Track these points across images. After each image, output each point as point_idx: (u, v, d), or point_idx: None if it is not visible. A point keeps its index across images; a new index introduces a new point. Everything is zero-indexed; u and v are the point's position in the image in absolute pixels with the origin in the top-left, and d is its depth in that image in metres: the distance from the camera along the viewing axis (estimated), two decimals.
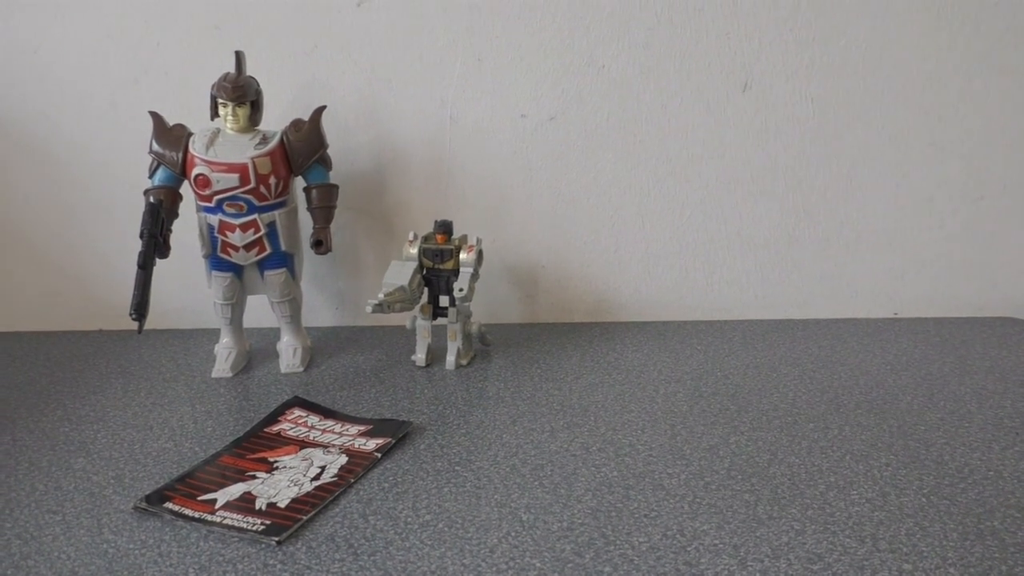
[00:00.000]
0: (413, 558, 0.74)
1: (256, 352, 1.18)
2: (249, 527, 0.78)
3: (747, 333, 1.24)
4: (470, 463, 0.90)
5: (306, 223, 1.12)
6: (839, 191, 1.24)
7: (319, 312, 1.28)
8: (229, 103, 1.04)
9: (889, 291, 1.29)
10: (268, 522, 0.79)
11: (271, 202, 1.06)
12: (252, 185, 1.04)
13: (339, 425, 0.98)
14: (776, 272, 1.28)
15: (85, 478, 0.88)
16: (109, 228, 1.23)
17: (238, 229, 1.06)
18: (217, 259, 1.08)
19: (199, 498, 0.83)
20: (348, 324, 1.29)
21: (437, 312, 1.13)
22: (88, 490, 0.85)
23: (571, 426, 0.97)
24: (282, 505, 0.82)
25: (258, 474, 0.88)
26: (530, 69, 1.18)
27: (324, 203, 1.11)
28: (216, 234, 1.06)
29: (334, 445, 0.93)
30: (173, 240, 1.04)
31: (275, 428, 0.97)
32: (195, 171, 1.04)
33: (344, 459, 0.90)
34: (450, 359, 1.13)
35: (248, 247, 1.07)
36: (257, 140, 1.05)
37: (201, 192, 1.04)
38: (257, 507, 0.82)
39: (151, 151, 1.06)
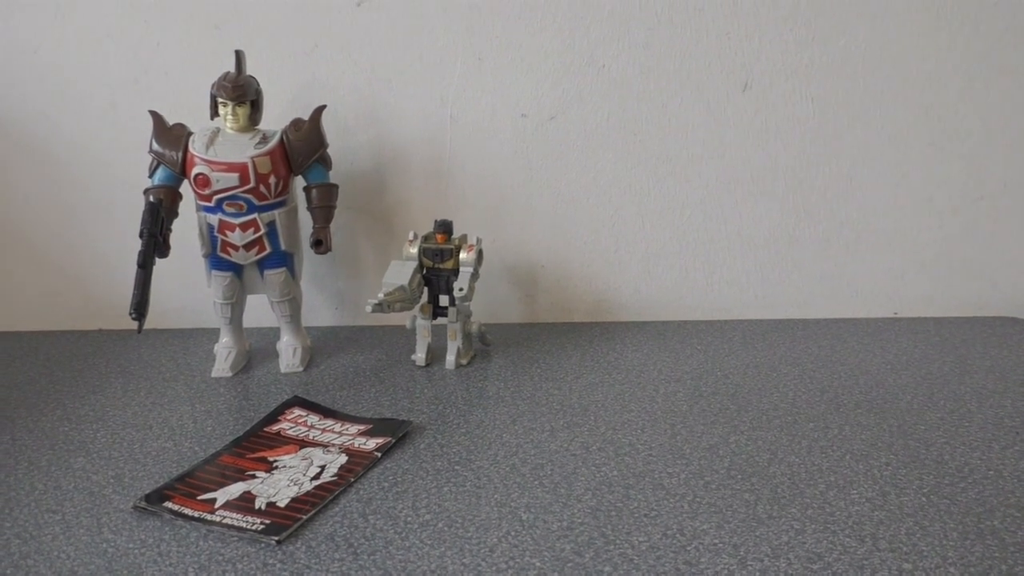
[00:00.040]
0: (413, 557, 0.74)
1: (256, 352, 1.18)
2: (249, 526, 0.78)
3: (747, 333, 1.24)
4: (470, 462, 0.90)
5: (306, 222, 1.12)
6: (839, 191, 1.24)
7: (319, 312, 1.28)
8: (229, 102, 1.04)
9: (889, 291, 1.29)
10: (268, 521, 0.79)
11: (271, 201, 1.06)
12: (252, 184, 1.04)
13: (339, 424, 0.98)
14: (776, 272, 1.28)
15: (85, 477, 0.88)
16: (109, 228, 1.23)
17: (238, 228, 1.06)
18: (217, 258, 1.08)
19: (199, 497, 0.83)
20: (348, 324, 1.29)
21: (437, 312, 1.13)
22: (88, 489, 0.85)
23: (571, 426, 0.97)
24: (282, 504, 0.82)
25: (258, 473, 0.88)
26: (530, 69, 1.18)
27: (324, 203, 1.11)
28: (216, 233, 1.06)
29: (334, 444, 0.93)
30: (173, 239, 1.04)
31: (275, 427, 0.97)
32: (195, 170, 1.04)
33: (344, 458, 0.90)
34: (450, 359, 1.13)
35: (248, 246, 1.07)
36: (257, 139, 1.05)
37: (201, 191, 1.04)
38: (257, 506, 0.82)
39: (151, 150, 1.06)
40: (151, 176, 1.06)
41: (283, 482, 0.86)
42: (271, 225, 1.07)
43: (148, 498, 0.83)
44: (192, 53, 1.16)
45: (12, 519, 0.81)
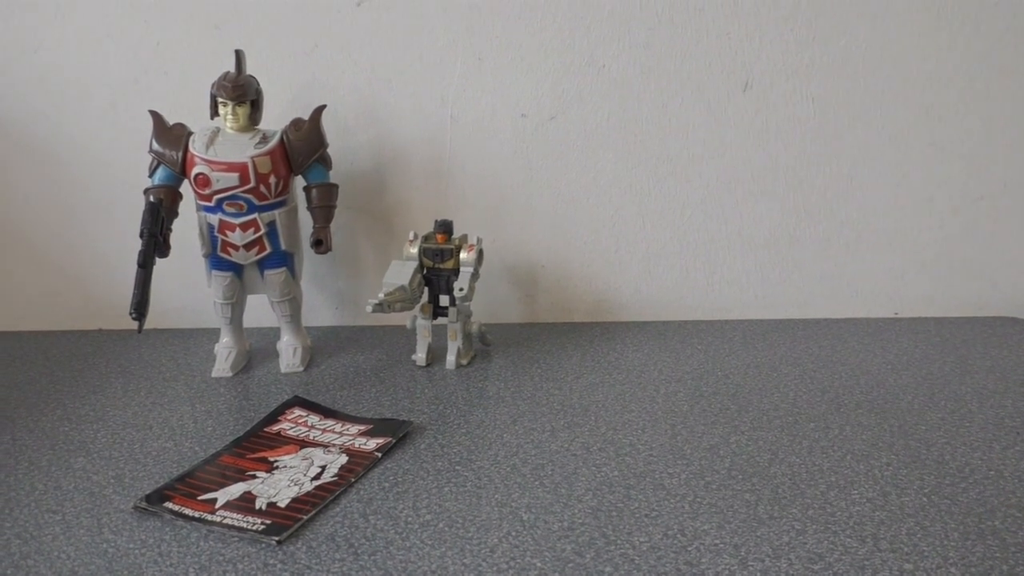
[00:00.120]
0: (414, 558, 0.74)
1: (256, 352, 1.18)
2: (249, 527, 0.78)
3: (748, 333, 1.24)
4: (471, 463, 0.89)
5: (306, 222, 1.12)
6: (839, 191, 1.24)
7: (319, 312, 1.28)
8: (229, 102, 1.04)
9: (889, 291, 1.28)
10: (268, 522, 0.79)
11: (271, 201, 1.06)
12: (252, 184, 1.04)
13: (339, 425, 0.98)
14: (776, 272, 1.28)
15: (85, 477, 0.87)
16: (109, 228, 1.23)
17: (238, 228, 1.06)
18: (217, 258, 1.08)
19: (199, 498, 0.83)
20: (348, 324, 1.29)
21: (437, 312, 1.13)
22: (88, 490, 0.85)
23: (571, 426, 0.97)
24: (282, 505, 0.82)
25: (258, 474, 0.88)
26: (530, 69, 1.18)
27: (324, 202, 1.11)
28: (216, 233, 1.06)
29: (334, 445, 0.93)
30: (173, 239, 1.04)
31: (275, 428, 0.97)
32: (195, 170, 1.04)
33: (344, 459, 0.90)
34: (450, 359, 1.13)
35: (248, 246, 1.07)
36: (257, 139, 1.05)
37: (201, 191, 1.04)
38: (257, 507, 0.81)
39: (151, 150, 1.06)
40: (151, 176, 1.06)
41: (283, 482, 0.86)
42: (271, 225, 1.07)
43: (148, 498, 0.83)
44: (192, 53, 1.16)
45: (12, 519, 0.81)
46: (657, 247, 1.26)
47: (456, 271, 1.10)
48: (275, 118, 1.11)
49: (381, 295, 1.01)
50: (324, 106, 1.10)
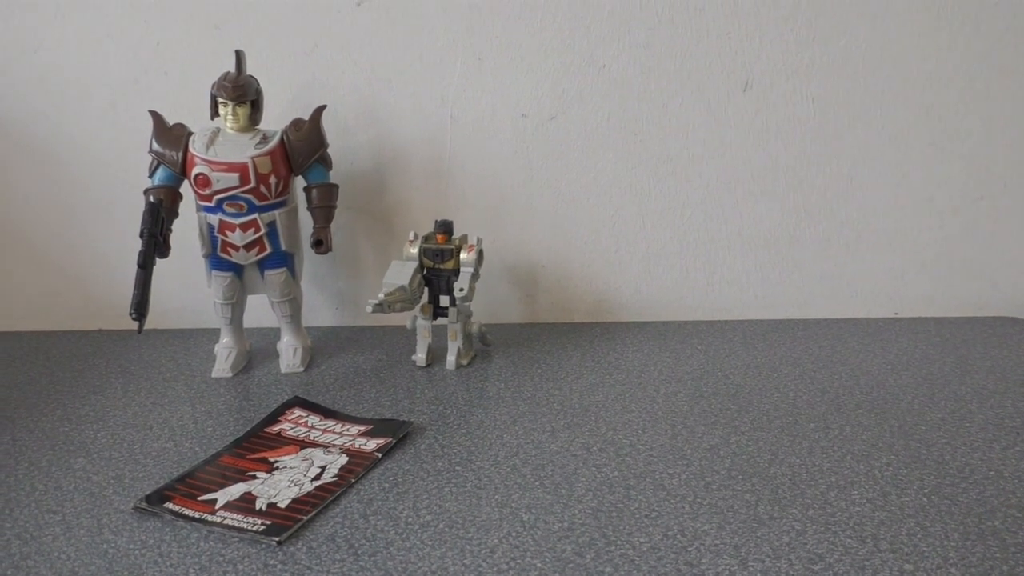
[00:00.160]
0: (414, 558, 0.74)
1: (256, 352, 1.18)
2: (249, 527, 0.78)
3: (748, 333, 1.24)
4: (471, 463, 0.89)
5: (306, 223, 1.12)
6: (839, 191, 1.24)
7: (319, 312, 1.28)
8: (229, 102, 1.04)
9: (889, 291, 1.29)
10: (268, 522, 0.79)
11: (271, 202, 1.06)
12: (252, 184, 1.04)
13: (339, 425, 0.98)
14: (776, 272, 1.28)
15: (85, 478, 0.87)
16: (109, 228, 1.23)
17: (238, 229, 1.06)
18: (217, 259, 1.08)
19: (199, 498, 0.83)
20: (348, 324, 1.29)
21: (437, 312, 1.13)
22: (88, 490, 0.85)
23: (572, 426, 0.97)
24: (282, 505, 0.82)
25: (258, 474, 0.88)
26: (531, 69, 1.18)
27: (324, 203, 1.11)
28: (216, 234, 1.06)
29: (334, 445, 0.93)
30: (173, 240, 1.04)
31: (275, 428, 0.97)
32: (195, 170, 1.04)
33: (344, 459, 0.90)
34: (450, 359, 1.13)
35: (248, 247, 1.07)
36: (257, 139, 1.05)
37: (201, 191, 1.04)
38: (257, 507, 0.81)
39: (151, 150, 1.06)
40: (151, 176, 1.06)
41: (284, 483, 0.86)
42: (271, 225, 1.07)
43: (149, 499, 0.83)
44: (192, 53, 1.16)
45: (13, 520, 0.81)
46: (657, 247, 1.26)
47: (456, 271, 1.10)
48: (275, 118, 1.11)
49: (381, 295, 1.01)
50: (324, 106, 1.10)
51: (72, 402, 1.04)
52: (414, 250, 1.10)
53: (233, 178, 1.04)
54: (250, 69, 1.07)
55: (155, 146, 1.06)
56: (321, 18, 1.16)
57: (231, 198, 1.04)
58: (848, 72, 1.18)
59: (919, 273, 1.28)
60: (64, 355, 1.18)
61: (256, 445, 0.93)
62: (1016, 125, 1.21)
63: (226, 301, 1.10)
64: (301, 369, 1.13)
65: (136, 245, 0.98)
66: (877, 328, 1.25)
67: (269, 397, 1.05)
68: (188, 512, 0.80)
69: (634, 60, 1.18)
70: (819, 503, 0.81)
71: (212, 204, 1.05)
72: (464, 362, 1.14)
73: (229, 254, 1.07)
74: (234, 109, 1.04)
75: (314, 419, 0.99)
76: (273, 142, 1.06)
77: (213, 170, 1.03)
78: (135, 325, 0.97)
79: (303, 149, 1.07)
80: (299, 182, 1.11)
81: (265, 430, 0.97)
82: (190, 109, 1.09)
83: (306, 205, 1.11)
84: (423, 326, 1.13)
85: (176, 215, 1.06)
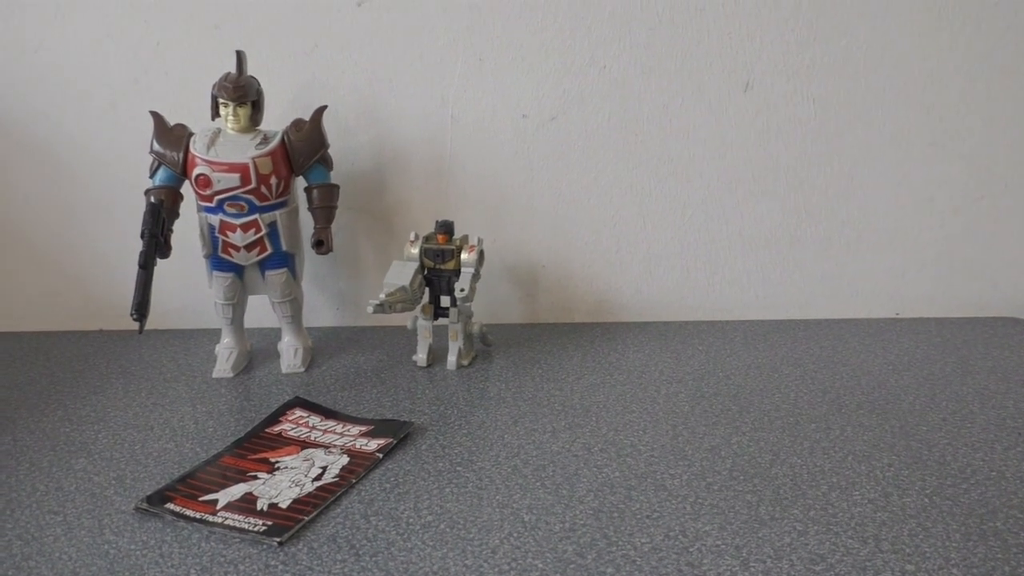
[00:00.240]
0: (415, 559, 0.74)
1: (257, 352, 1.18)
2: (250, 528, 0.78)
3: (748, 333, 1.23)
4: (472, 464, 0.89)
5: (307, 223, 1.12)
6: (840, 191, 1.23)
7: (320, 312, 1.28)
8: (230, 103, 1.04)
9: (890, 291, 1.28)
10: (269, 523, 0.79)
11: (272, 202, 1.06)
12: (253, 185, 1.04)
13: (340, 425, 0.98)
14: (777, 272, 1.27)
15: (86, 479, 0.87)
16: (109, 228, 1.23)
17: (239, 229, 1.06)
18: (218, 259, 1.08)
19: (200, 499, 0.83)
20: (349, 324, 1.29)
21: (438, 312, 1.13)
22: (89, 491, 0.85)
23: (573, 426, 0.97)
24: (283, 506, 0.82)
25: (259, 475, 0.88)
26: (531, 69, 1.18)
27: (325, 203, 1.11)
28: (217, 234, 1.06)
29: (335, 445, 0.93)
30: (174, 240, 1.04)
31: (276, 428, 0.97)
32: (196, 171, 1.04)
33: (345, 459, 0.90)
34: (451, 359, 1.13)
35: (249, 247, 1.07)
36: (258, 140, 1.05)
37: (202, 192, 1.04)
38: (258, 508, 0.81)
39: (152, 151, 1.06)
40: (152, 176, 1.06)
41: (285, 483, 0.86)
42: (272, 226, 1.07)
43: (150, 499, 0.83)
44: (192, 53, 1.16)
45: (14, 520, 0.80)
46: (658, 247, 1.26)
47: (457, 272, 1.10)
48: (276, 118, 1.11)
49: (382, 296, 1.01)
50: (325, 107, 1.10)
51: (73, 402, 1.04)
52: (415, 250, 1.10)
53: (234, 178, 1.03)
54: (250, 69, 1.07)
55: (156, 147, 1.06)
56: (321, 18, 1.16)
57: (232, 198, 1.04)
58: (849, 72, 1.18)
59: (920, 273, 1.28)
60: (65, 355, 1.18)
61: (257, 445, 0.93)
62: (1017, 125, 1.21)
63: (227, 301, 1.10)
64: (302, 369, 1.13)
65: (136, 245, 0.98)
66: (878, 328, 1.25)
67: (270, 397, 1.05)
68: (189, 513, 0.80)
69: (635, 60, 1.18)
70: (820, 504, 0.81)
71: (213, 204, 1.05)
72: (465, 362, 1.14)
73: (230, 254, 1.07)
74: (235, 110, 1.04)
75: (315, 419, 0.99)
76: (274, 142, 1.06)
77: (214, 171, 1.03)
78: (136, 325, 0.96)
79: (304, 149, 1.07)
80: (300, 182, 1.11)
81: (266, 430, 0.97)
82: (190, 109, 1.09)
83: (307, 205, 1.11)
84: (424, 326, 1.13)
85: (177, 215, 1.06)
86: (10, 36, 1.16)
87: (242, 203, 1.05)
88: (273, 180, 1.05)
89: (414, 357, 1.14)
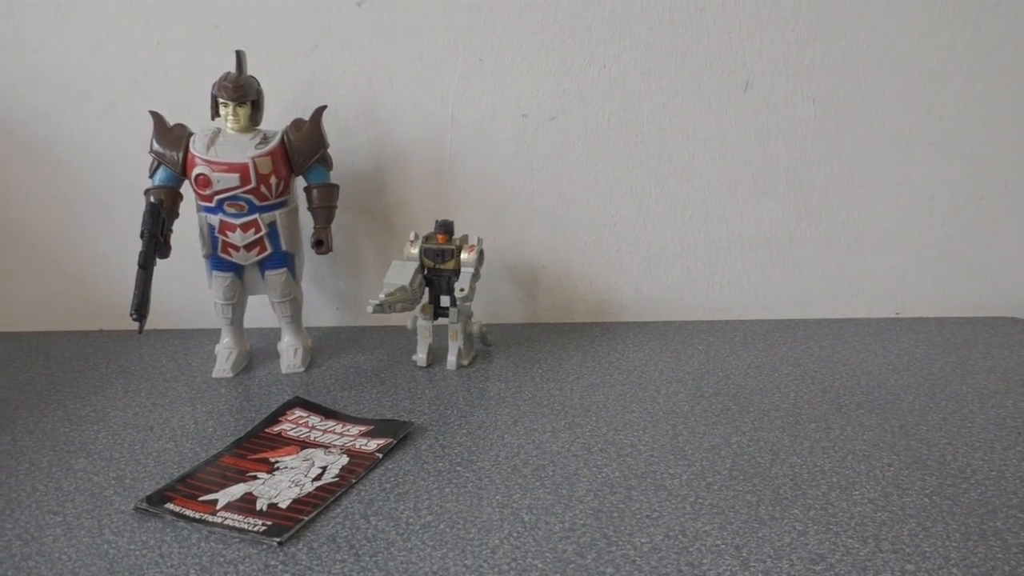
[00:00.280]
0: (415, 559, 0.74)
1: (257, 352, 1.18)
2: (250, 528, 0.78)
3: (748, 333, 1.23)
4: (471, 463, 0.89)
5: (307, 223, 1.12)
6: (840, 191, 1.23)
7: (320, 312, 1.27)
8: (230, 103, 1.04)
9: (891, 291, 1.28)
10: (269, 523, 0.79)
11: (272, 202, 1.06)
12: (253, 185, 1.04)
13: (340, 425, 0.98)
14: (777, 272, 1.27)
15: (86, 479, 0.87)
16: (109, 228, 1.23)
17: (239, 229, 1.06)
18: (218, 259, 1.08)
19: (200, 499, 0.83)
20: (349, 324, 1.29)
21: (438, 312, 1.13)
22: (89, 491, 0.85)
23: (573, 426, 0.97)
24: (283, 506, 0.82)
25: (259, 475, 0.87)
26: (531, 69, 1.18)
27: (325, 203, 1.11)
28: (217, 234, 1.06)
29: (335, 445, 0.93)
30: (173, 240, 1.04)
31: (276, 428, 0.97)
32: (196, 171, 1.04)
33: (345, 459, 0.90)
34: (451, 359, 1.13)
35: (249, 247, 1.07)
36: (258, 140, 1.05)
37: (202, 192, 1.04)
38: (258, 508, 0.81)
39: (151, 151, 1.06)
40: (151, 176, 1.06)
41: (284, 483, 0.86)
42: (272, 226, 1.07)
43: (149, 499, 0.83)
44: (192, 53, 1.16)
45: (13, 520, 0.80)
46: (658, 247, 1.26)
47: (457, 271, 1.10)
48: (275, 118, 1.11)
49: (382, 295, 1.01)
50: (325, 106, 1.10)
51: (73, 402, 1.04)
52: (415, 250, 1.10)
53: (234, 178, 1.03)
54: (250, 69, 1.07)
55: (155, 146, 1.06)
56: (321, 18, 1.16)
57: (232, 198, 1.04)
58: (849, 72, 1.18)
59: (920, 273, 1.28)
60: (64, 355, 1.18)
61: (257, 445, 0.93)
62: (1017, 125, 1.21)
63: (227, 301, 1.10)
64: (302, 369, 1.13)
65: (136, 245, 0.98)
66: (878, 328, 1.25)
67: (270, 397, 1.05)
68: (189, 513, 0.80)
69: (635, 60, 1.18)
70: (820, 503, 0.81)
71: (213, 204, 1.05)
72: (465, 362, 1.14)
73: (229, 254, 1.07)
74: (235, 109, 1.04)
75: (315, 419, 0.99)
76: (274, 142, 1.06)
77: (214, 170, 1.03)
78: (136, 325, 0.97)
79: (303, 149, 1.07)
80: (300, 182, 1.11)
81: (266, 430, 0.97)
82: (190, 109, 1.09)
83: (307, 205, 1.11)
84: (424, 326, 1.13)
85: (177, 215, 1.06)
86: (10, 36, 1.16)
87: (242, 203, 1.05)
88: (273, 180, 1.05)
89: (414, 357, 1.14)
